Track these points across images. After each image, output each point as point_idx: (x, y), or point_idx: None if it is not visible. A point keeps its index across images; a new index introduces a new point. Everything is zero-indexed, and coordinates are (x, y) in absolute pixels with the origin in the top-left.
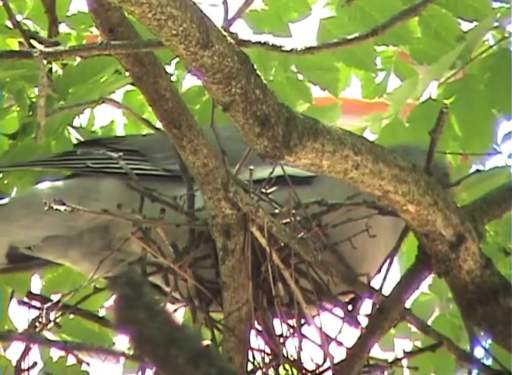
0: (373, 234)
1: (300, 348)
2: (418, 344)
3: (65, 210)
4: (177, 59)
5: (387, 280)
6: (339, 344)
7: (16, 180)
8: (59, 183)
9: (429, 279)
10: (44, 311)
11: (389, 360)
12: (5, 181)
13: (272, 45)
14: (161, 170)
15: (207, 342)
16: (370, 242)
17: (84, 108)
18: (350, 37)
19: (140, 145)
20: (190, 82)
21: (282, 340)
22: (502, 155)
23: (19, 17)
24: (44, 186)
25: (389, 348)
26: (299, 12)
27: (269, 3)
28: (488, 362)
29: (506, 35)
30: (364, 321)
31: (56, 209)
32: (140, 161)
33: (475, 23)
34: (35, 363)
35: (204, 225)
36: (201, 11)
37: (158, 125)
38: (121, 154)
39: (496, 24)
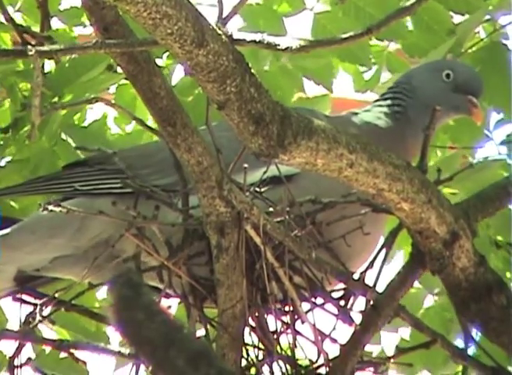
0: (367, 232)
1: (294, 344)
2: (406, 336)
3: (60, 211)
4: (168, 52)
5: (381, 276)
6: (333, 340)
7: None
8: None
9: None
10: (39, 307)
11: (382, 356)
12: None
13: (267, 44)
14: (149, 187)
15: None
16: (364, 239)
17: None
18: (344, 35)
19: (127, 163)
20: (181, 74)
21: (276, 336)
22: (493, 141)
23: (10, 10)
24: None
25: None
26: (293, 7)
27: None
28: (482, 357)
29: (498, 28)
30: (358, 318)
31: (51, 211)
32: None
33: (467, 16)
34: (29, 359)
35: (199, 223)
36: (196, 10)
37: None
38: (116, 151)
39: (487, 17)
